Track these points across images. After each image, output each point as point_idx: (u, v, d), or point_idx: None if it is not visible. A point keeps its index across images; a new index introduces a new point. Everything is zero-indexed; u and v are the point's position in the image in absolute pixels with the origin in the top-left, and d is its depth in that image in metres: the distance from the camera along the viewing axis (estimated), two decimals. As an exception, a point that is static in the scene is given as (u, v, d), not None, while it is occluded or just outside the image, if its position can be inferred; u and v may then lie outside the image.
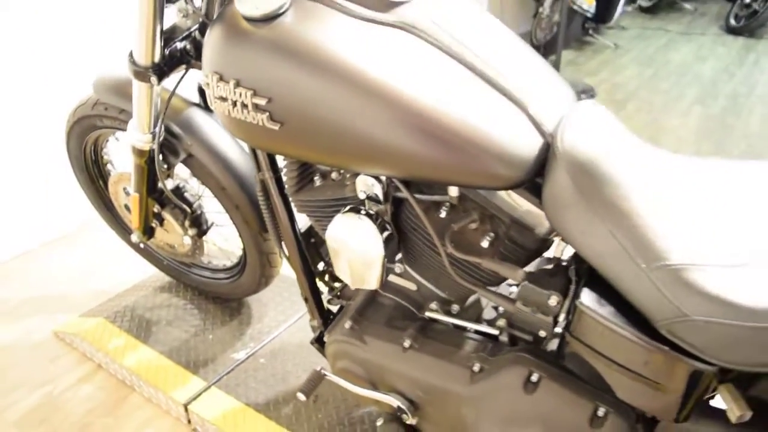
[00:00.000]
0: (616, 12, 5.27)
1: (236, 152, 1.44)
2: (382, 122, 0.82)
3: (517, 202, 0.95)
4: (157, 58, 1.15)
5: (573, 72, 4.69)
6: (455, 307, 1.11)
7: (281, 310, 1.83)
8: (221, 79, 0.89)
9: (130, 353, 1.70)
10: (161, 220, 1.59)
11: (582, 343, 0.86)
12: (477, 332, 1.08)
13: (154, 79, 1.17)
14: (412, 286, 1.12)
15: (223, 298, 1.87)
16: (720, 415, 0.88)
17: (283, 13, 0.86)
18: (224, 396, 1.54)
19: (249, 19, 0.86)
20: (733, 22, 6.45)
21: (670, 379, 0.80)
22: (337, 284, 1.31)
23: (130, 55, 1.17)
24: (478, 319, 1.10)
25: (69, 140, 1.70)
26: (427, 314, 1.12)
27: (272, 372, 1.61)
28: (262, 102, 0.87)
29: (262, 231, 1.51)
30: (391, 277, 1.14)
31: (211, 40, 0.91)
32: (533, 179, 0.86)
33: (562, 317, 0.88)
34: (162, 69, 1.17)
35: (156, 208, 1.54)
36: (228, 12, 0.89)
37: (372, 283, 1.03)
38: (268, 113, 0.87)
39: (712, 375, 0.77)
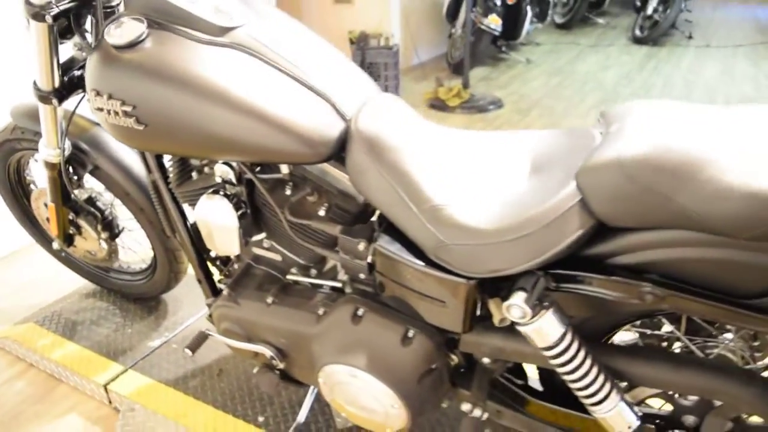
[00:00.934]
0: (524, 29, 5.69)
1: (135, 161, 1.69)
2: (220, 118, 1.08)
3: (344, 177, 1.22)
4: (56, 84, 1.40)
5: (485, 87, 5.05)
6: (314, 272, 1.37)
7: (193, 304, 2.06)
8: (98, 94, 1.14)
9: (58, 350, 1.90)
10: (78, 228, 1.81)
11: (385, 276, 1.13)
12: (331, 288, 1.34)
13: (55, 101, 1.41)
14: (278, 257, 1.38)
15: (142, 297, 2.09)
16: (500, 329, 1.15)
17: (141, 41, 1.12)
18: (140, 376, 1.76)
19: (116, 47, 1.12)
20: (638, 32, 6.95)
21: (447, 296, 1.07)
22: (225, 266, 1.56)
23: (35, 82, 1.41)
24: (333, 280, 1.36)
25: None
26: (289, 277, 1.37)
27: (183, 355, 1.84)
28: (129, 109, 1.12)
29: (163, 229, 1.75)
30: (261, 251, 1.39)
31: (90, 65, 1.16)
32: (339, 154, 1.13)
33: (369, 259, 1.15)
34: (62, 93, 1.41)
35: (71, 216, 1.77)
36: (101, 43, 1.15)
37: (233, 250, 1.29)
38: (134, 117, 1.13)
39: (473, 287, 1.04)
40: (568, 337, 0.99)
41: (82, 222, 1.78)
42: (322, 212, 1.22)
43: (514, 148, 1.12)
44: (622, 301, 0.95)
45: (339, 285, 1.31)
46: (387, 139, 1.08)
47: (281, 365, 1.37)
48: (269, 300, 1.32)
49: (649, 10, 6.87)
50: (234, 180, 1.26)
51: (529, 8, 5.63)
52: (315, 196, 1.24)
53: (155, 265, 1.92)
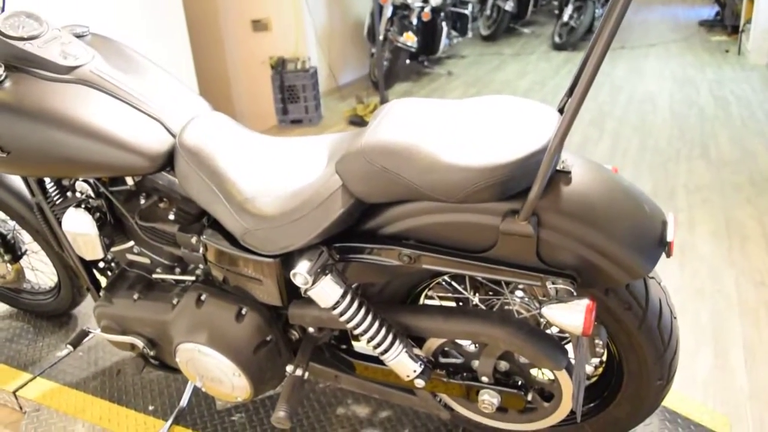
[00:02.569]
0: (441, 44, 6.00)
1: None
2: (69, 141, 1.30)
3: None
4: None
5: (405, 100, 5.32)
6: (178, 270, 1.58)
7: (101, 316, 2.25)
8: None
9: (-27, 367, 2.08)
10: (-19, 253, 2.00)
11: (214, 264, 1.35)
12: (190, 282, 1.56)
13: None
14: (146, 260, 1.59)
15: (54, 314, 2.27)
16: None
17: (2, 81, 1.33)
18: (47, 382, 1.95)
19: None
20: (557, 39, 7.32)
21: (260, 275, 1.29)
22: (109, 273, 1.76)
23: None
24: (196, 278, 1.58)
25: None
26: (155, 276, 1.58)
27: (87, 361, 2.03)
28: None
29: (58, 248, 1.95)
30: (132, 257, 1.60)
31: None
32: (171, 164, 1.36)
33: (201, 250, 1.37)
34: None
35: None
36: None
37: (96, 254, 1.50)
38: None
39: (277, 264, 1.27)
40: (348, 297, 1.22)
41: (-17, 248, 1.96)
42: (170, 216, 1.44)
43: (313, 150, 1.35)
44: (389, 264, 1.19)
45: (193, 278, 1.53)
46: (205, 148, 1.31)
47: (152, 353, 1.57)
48: (135, 296, 1.53)
49: (565, 17, 7.27)
50: (93, 194, 1.48)
51: (444, 24, 5.95)
52: (165, 203, 1.46)
53: (60, 283, 2.11)
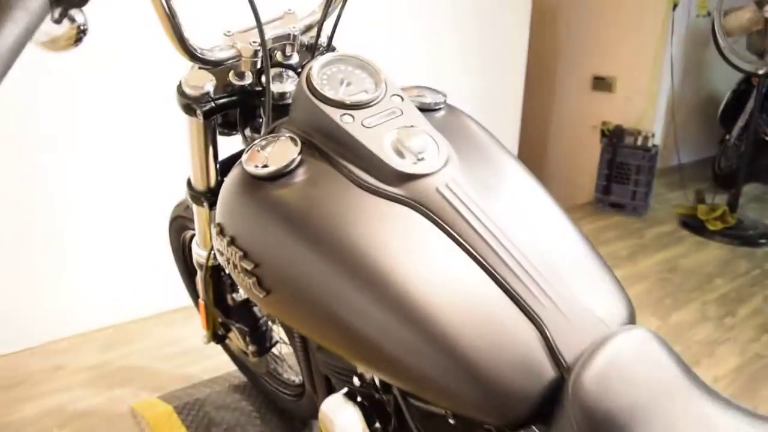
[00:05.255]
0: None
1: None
2: (370, 313, 0.71)
3: None
4: (212, 184, 1.14)
5: (758, 211, 4.17)
6: None
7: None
8: (221, 232, 0.84)
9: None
10: (228, 330, 1.57)
11: None
12: None
13: (206, 204, 1.15)
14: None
15: (290, 413, 1.80)
16: None
17: (288, 173, 0.79)
18: None
19: (253, 176, 0.80)
20: None
21: None
22: None
23: (188, 179, 1.17)
24: None
25: (170, 233, 1.76)
26: None
27: None
28: (249, 266, 0.79)
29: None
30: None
31: (222, 191, 0.86)
32: (540, 417, 0.69)
33: None
34: (216, 194, 1.15)
35: (221, 318, 1.52)
36: (237, 166, 0.84)
37: None
38: (255, 278, 0.80)
39: None
40: None
41: (232, 328, 1.53)
42: None
43: None
44: None
45: None
46: (626, 413, 0.62)
47: None
48: None
49: None
50: (379, 386, 0.88)
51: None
52: None
53: (303, 388, 1.61)
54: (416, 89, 0.96)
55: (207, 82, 0.98)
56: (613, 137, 3.86)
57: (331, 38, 1.07)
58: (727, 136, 4.54)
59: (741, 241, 3.54)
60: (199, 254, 1.34)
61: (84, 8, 0.66)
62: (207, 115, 0.99)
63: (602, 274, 0.78)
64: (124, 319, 2.46)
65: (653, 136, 3.88)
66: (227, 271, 0.87)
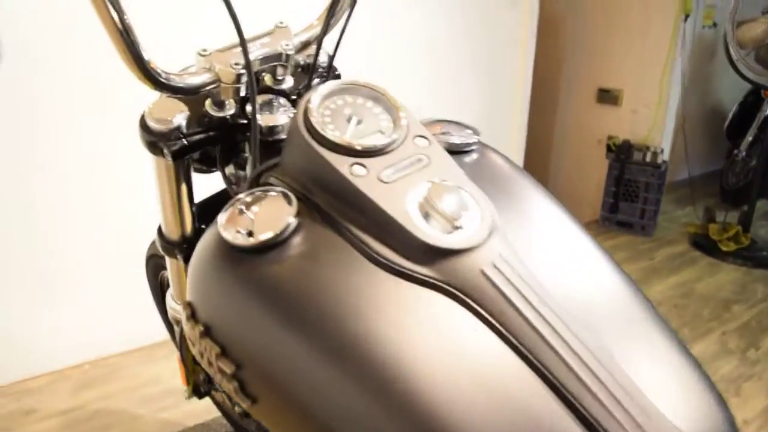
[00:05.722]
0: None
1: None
2: None
3: None
4: (187, 232, 0.94)
5: (768, 228, 4.02)
6: None
7: None
8: (192, 316, 0.64)
9: None
10: (212, 383, 1.37)
11: None
12: None
13: (180, 257, 0.95)
14: None
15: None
16: None
17: (281, 242, 0.59)
18: None
19: (234, 247, 0.61)
20: None
21: None
22: None
23: (159, 226, 0.97)
24: None
25: (147, 272, 1.56)
26: None
27: None
28: (229, 368, 0.60)
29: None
30: None
31: (194, 261, 0.67)
32: None
33: None
34: (192, 246, 0.95)
35: (203, 374, 1.33)
36: (212, 229, 0.64)
37: None
38: (236, 383, 0.60)
39: None
40: None
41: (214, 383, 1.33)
42: None
43: None
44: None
45: None
46: None
47: None
48: None
49: None
50: None
51: None
52: None
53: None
54: (439, 124, 0.77)
55: (176, 114, 0.78)
56: (621, 153, 3.69)
57: (332, 58, 0.89)
58: (735, 151, 4.38)
59: (755, 262, 3.36)
60: (174, 309, 1.14)
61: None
62: (177, 155, 0.79)
63: (694, 377, 0.59)
64: (101, 354, 2.26)
65: (662, 151, 3.71)
66: (202, 364, 0.68)
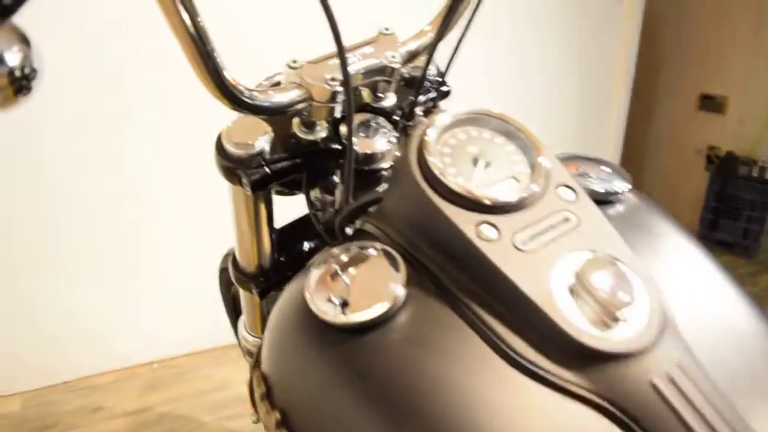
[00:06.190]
0: None
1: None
2: None
3: None
4: (266, 265, 0.82)
5: None
6: None
7: None
8: (267, 396, 0.53)
9: None
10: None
11: None
12: None
13: (255, 291, 0.84)
14: None
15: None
16: None
17: (385, 321, 0.47)
18: None
19: (325, 323, 0.49)
20: None
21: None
22: None
23: (233, 254, 0.86)
24: None
25: (220, 284, 1.48)
26: None
27: None
28: None
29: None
30: None
31: (271, 322, 0.55)
32: None
33: None
34: (269, 279, 0.83)
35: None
36: (296, 289, 0.52)
37: None
38: None
39: None
40: None
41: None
42: None
43: None
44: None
45: None
46: None
47: None
48: None
49: None
50: None
51: None
52: None
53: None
54: (572, 163, 0.62)
55: (259, 137, 0.66)
56: (723, 166, 3.40)
57: (445, 72, 0.75)
58: None
59: None
60: (246, 339, 1.03)
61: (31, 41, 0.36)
62: (257, 185, 0.68)
63: None
64: (171, 353, 2.22)
65: (773, 166, 3.40)
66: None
